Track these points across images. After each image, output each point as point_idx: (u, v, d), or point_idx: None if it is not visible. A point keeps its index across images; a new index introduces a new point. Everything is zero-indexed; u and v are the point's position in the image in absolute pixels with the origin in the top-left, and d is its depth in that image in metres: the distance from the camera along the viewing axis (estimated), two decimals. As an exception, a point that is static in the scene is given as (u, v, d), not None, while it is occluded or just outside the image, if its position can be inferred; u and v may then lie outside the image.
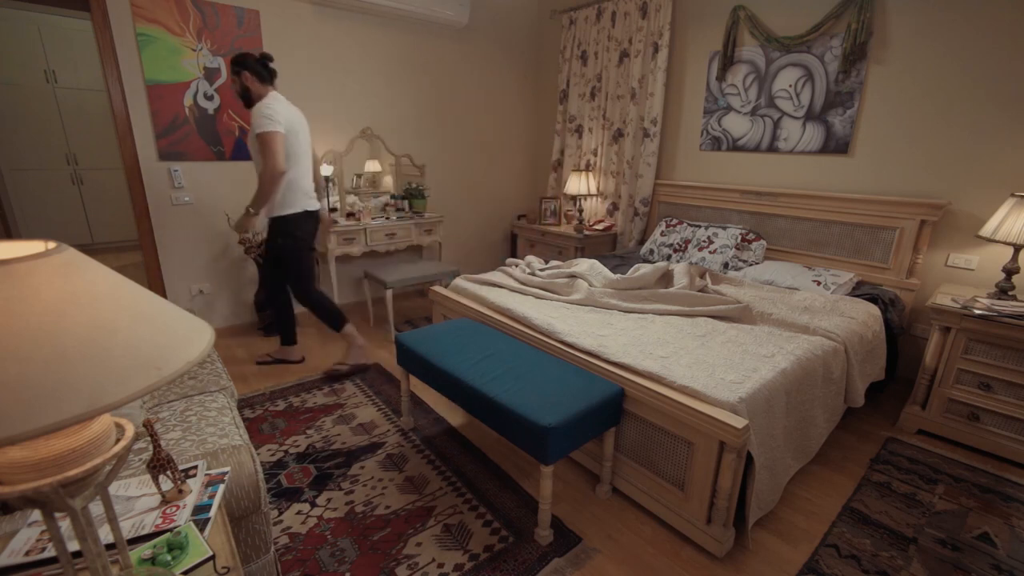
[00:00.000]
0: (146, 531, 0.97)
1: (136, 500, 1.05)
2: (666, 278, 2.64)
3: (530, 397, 1.65)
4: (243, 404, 2.51)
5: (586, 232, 3.86)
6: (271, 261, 2.71)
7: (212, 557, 0.91)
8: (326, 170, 3.31)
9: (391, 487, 1.93)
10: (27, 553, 0.89)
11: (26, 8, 4.45)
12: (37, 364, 0.52)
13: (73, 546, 0.85)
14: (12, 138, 4.71)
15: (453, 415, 2.44)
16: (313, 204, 2.69)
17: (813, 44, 2.83)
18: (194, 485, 1.10)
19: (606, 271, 2.74)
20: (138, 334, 0.60)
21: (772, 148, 3.11)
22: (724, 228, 3.17)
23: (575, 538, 1.70)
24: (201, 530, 0.97)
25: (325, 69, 3.40)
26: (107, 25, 2.67)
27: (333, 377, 2.80)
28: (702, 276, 2.68)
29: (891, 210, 2.62)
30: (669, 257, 3.29)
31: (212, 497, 1.07)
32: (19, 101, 4.67)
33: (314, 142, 3.45)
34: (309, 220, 2.67)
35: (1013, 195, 2.14)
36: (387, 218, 3.61)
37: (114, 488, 1.09)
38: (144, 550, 0.90)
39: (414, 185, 3.80)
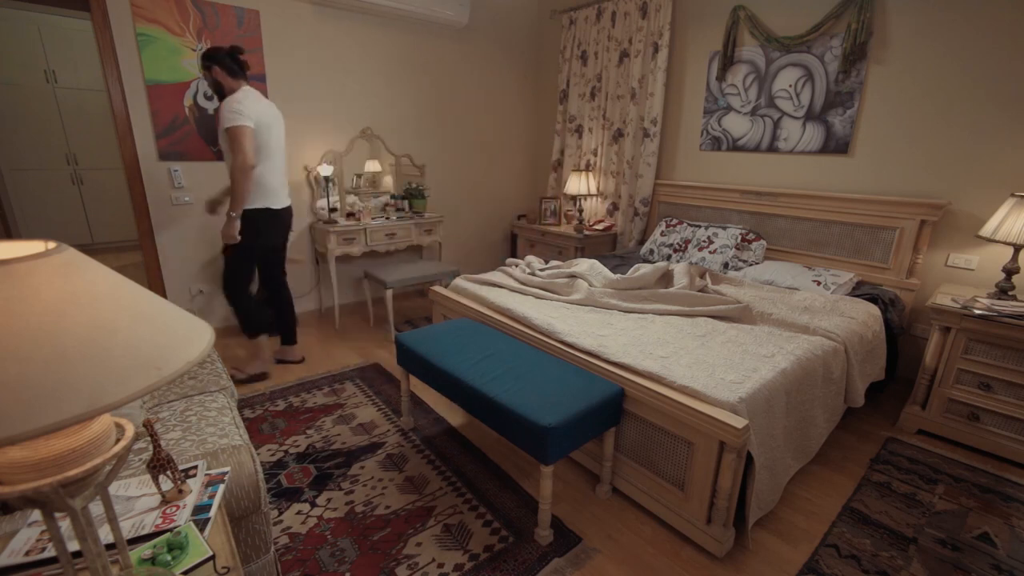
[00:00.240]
0: (146, 531, 0.97)
1: (136, 500, 1.05)
2: (666, 278, 2.64)
3: (530, 397, 1.65)
4: (243, 404, 2.51)
5: (586, 232, 3.86)
6: (238, 258, 2.62)
7: (212, 557, 0.91)
8: (326, 170, 3.31)
9: (391, 487, 1.93)
10: (27, 553, 0.89)
11: (26, 8, 4.44)
12: (37, 364, 0.52)
13: (73, 546, 0.85)
14: (12, 138, 4.71)
15: (453, 415, 2.44)
16: (278, 202, 2.61)
17: (813, 44, 2.83)
18: (194, 485, 1.10)
19: (606, 271, 2.74)
20: (138, 334, 0.60)
21: (772, 148, 3.11)
22: (724, 228, 3.17)
23: (575, 538, 1.70)
24: (201, 530, 0.97)
25: (325, 69, 3.40)
26: (107, 25, 2.67)
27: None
28: (702, 276, 2.68)
29: (891, 210, 2.62)
30: (669, 257, 3.29)
31: (212, 497, 1.07)
32: (19, 101, 4.66)
33: (314, 142, 3.46)
34: (270, 218, 2.58)
35: (1013, 195, 2.14)
36: (387, 218, 3.61)
37: (114, 488, 1.09)
38: (144, 550, 0.90)
39: (414, 185, 3.80)
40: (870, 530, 1.74)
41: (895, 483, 1.99)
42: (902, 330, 2.55)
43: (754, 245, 3.09)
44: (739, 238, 3.08)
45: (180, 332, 0.65)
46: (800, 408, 1.84)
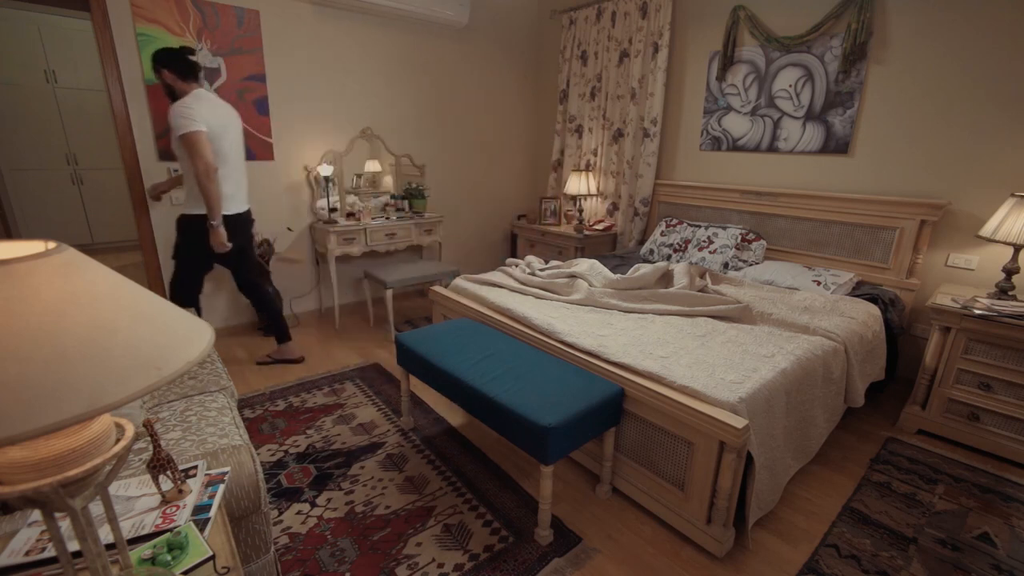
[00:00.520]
0: (146, 531, 0.97)
1: (136, 500, 1.05)
2: (666, 278, 2.64)
3: (530, 397, 1.65)
4: (243, 404, 2.51)
5: (586, 232, 3.86)
6: (185, 265, 2.61)
7: (212, 557, 0.91)
8: (326, 170, 3.31)
9: (391, 487, 1.93)
10: (27, 553, 0.89)
11: (26, 8, 4.44)
12: (37, 364, 0.52)
13: (73, 546, 0.85)
14: (12, 138, 4.71)
15: (453, 415, 2.44)
16: (234, 207, 2.56)
17: (813, 44, 2.83)
18: (194, 485, 1.10)
19: (606, 271, 2.74)
20: (138, 334, 0.60)
21: (772, 148, 3.11)
22: (724, 228, 3.17)
23: (575, 538, 1.70)
24: (201, 530, 0.97)
25: (325, 69, 3.40)
26: (107, 25, 2.67)
27: None
28: (702, 276, 2.68)
29: (891, 210, 2.62)
30: (669, 257, 3.29)
31: (212, 497, 1.07)
32: (19, 101, 4.66)
33: (314, 142, 3.46)
34: (226, 223, 2.51)
35: (1013, 195, 2.14)
36: (387, 218, 3.61)
37: (114, 488, 1.09)
38: (144, 550, 0.90)
39: (414, 185, 3.80)
40: (870, 530, 1.74)
41: (895, 483, 1.99)
42: (902, 330, 2.55)
43: (754, 245, 3.09)
44: (739, 238, 3.08)
45: (180, 332, 0.65)
46: (800, 408, 1.84)
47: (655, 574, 1.58)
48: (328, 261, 3.36)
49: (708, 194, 3.41)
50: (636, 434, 1.80)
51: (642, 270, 2.67)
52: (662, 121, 3.59)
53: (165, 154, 2.94)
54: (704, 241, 3.18)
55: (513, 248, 4.72)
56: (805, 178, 3.00)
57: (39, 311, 0.54)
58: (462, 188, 4.36)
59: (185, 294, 2.65)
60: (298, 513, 1.78)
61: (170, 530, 0.96)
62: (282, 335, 2.95)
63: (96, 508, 0.96)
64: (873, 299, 2.47)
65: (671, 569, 1.59)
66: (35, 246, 0.60)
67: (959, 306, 2.12)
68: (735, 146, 3.29)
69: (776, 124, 3.06)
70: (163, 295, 2.67)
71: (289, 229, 3.50)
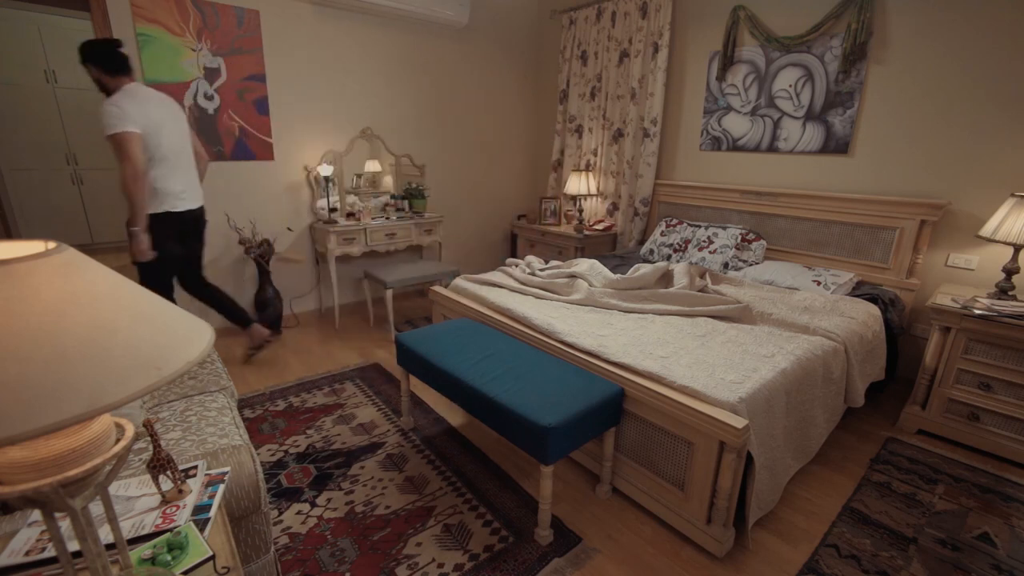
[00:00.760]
0: (146, 531, 0.97)
1: (136, 500, 1.05)
2: (666, 278, 2.64)
3: (530, 397, 1.65)
4: (243, 404, 2.51)
5: (586, 232, 3.86)
6: (150, 270, 2.45)
7: (212, 557, 0.91)
8: (326, 170, 3.31)
9: (391, 487, 1.93)
10: (27, 553, 0.89)
11: (26, 8, 4.45)
12: (37, 364, 0.52)
13: (73, 546, 0.85)
14: (12, 138, 4.71)
15: (453, 415, 2.44)
16: (181, 204, 2.43)
17: (813, 44, 2.83)
18: (194, 485, 1.10)
19: (606, 271, 2.74)
20: (138, 334, 0.60)
21: (772, 148, 3.11)
22: (724, 228, 3.17)
23: (575, 538, 1.70)
24: (201, 530, 0.97)
25: (325, 69, 3.40)
26: (107, 25, 2.67)
27: None
28: (702, 276, 2.68)
29: (891, 210, 2.62)
30: (669, 257, 3.29)
31: (212, 497, 1.07)
32: (19, 101, 4.66)
33: (314, 142, 3.46)
34: (170, 220, 2.41)
35: (1013, 195, 2.14)
36: (387, 218, 3.61)
37: (114, 488, 1.09)
38: (144, 550, 0.90)
39: (414, 185, 3.80)
40: (870, 530, 1.74)
41: (895, 483, 1.99)
42: (902, 330, 2.55)
43: (754, 245, 3.09)
44: (739, 238, 3.08)
45: (180, 332, 0.65)
46: (800, 408, 1.84)
47: (655, 574, 1.58)
48: (328, 261, 3.36)
49: (708, 194, 3.41)
50: (636, 434, 1.80)
51: (642, 270, 2.67)
52: (662, 121, 3.59)
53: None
54: (704, 241, 3.18)
55: (513, 248, 4.72)
56: (805, 178, 3.00)
57: (39, 311, 0.54)
58: (462, 188, 4.36)
59: None
60: (298, 513, 1.78)
61: (170, 530, 0.96)
62: (244, 321, 2.82)
63: (96, 508, 0.96)
64: (873, 299, 2.47)
65: (671, 569, 1.59)
66: (35, 246, 0.60)
67: (959, 306, 2.12)
68: (735, 146, 3.29)
69: (776, 124, 3.06)
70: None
71: (289, 229, 3.50)
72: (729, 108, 3.27)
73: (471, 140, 4.31)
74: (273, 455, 2.11)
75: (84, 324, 0.56)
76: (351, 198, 3.60)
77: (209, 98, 3.01)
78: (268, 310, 3.34)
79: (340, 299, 3.83)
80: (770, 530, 1.75)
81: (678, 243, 3.30)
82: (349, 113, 3.57)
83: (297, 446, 2.18)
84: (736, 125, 3.26)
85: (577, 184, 3.89)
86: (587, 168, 4.07)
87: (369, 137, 3.65)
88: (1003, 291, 2.20)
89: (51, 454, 0.62)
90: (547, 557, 1.61)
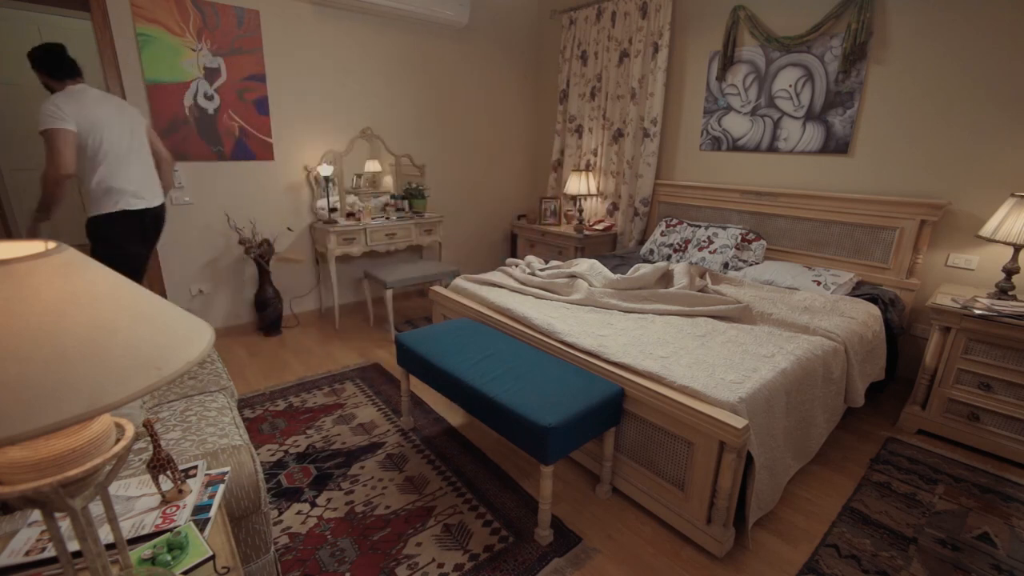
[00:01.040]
0: (146, 531, 0.97)
1: (136, 500, 1.05)
2: (666, 278, 2.64)
3: (530, 397, 1.65)
4: (243, 404, 2.51)
5: (586, 232, 3.86)
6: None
7: (212, 557, 0.91)
8: (326, 170, 3.31)
9: (391, 487, 1.93)
10: (27, 553, 0.89)
11: (26, 8, 4.44)
12: (37, 364, 0.52)
13: (73, 546, 0.85)
14: (12, 138, 4.71)
15: (453, 415, 2.44)
16: (139, 203, 2.39)
17: (813, 44, 2.83)
18: (194, 485, 1.10)
19: (606, 271, 2.74)
20: (138, 334, 0.60)
21: (772, 148, 3.11)
22: (724, 228, 3.17)
23: (575, 538, 1.70)
24: (201, 530, 0.97)
25: (325, 69, 3.40)
26: (107, 25, 2.67)
27: None
28: (702, 276, 2.68)
29: (891, 210, 2.62)
30: (669, 257, 3.29)
31: (212, 497, 1.07)
32: (19, 101, 4.66)
33: (314, 142, 3.46)
34: (129, 220, 2.38)
35: (1013, 195, 2.14)
36: (387, 218, 3.61)
37: (114, 488, 1.09)
38: (144, 550, 0.90)
39: (414, 185, 3.80)
40: (870, 530, 1.74)
41: (895, 483, 1.99)
42: (902, 330, 2.55)
43: (754, 245, 3.09)
44: (739, 238, 3.08)
45: (180, 332, 0.65)
46: (800, 408, 1.84)
47: (655, 574, 1.58)
48: (328, 261, 3.36)
49: (708, 194, 3.41)
50: (636, 434, 1.80)
51: (642, 270, 2.67)
52: (662, 121, 3.59)
53: (165, 154, 2.94)
54: (704, 241, 3.18)
55: (513, 248, 4.72)
56: (805, 178, 3.00)
57: (39, 311, 0.54)
58: (462, 188, 4.36)
59: None
60: (298, 513, 1.78)
61: (170, 530, 0.96)
62: None
63: (96, 508, 0.96)
64: (873, 299, 2.47)
65: (671, 569, 1.59)
66: (35, 246, 0.60)
67: (959, 306, 2.12)
68: (735, 146, 3.29)
69: (776, 124, 3.06)
70: (163, 295, 2.67)
71: (289, 229, 3.50)
72: (729, 108, 3.27)
73: (471, 140, 4.31)
74: (273, 455, 2.11)
75: (84, 324, 0.56)
76: (351, 198, 3.60)
77: (209, 98, 3.01)
78: (268, 310, 3.34)
79: (340, 299, 3.83)
80: (770, 530, 1.75)
81: (678, 243, 3.30)
82: (349, 113, 3.57)
83: (297, 446, 2.18)
84: (736, 125, 3.26)
85: (577, 184, 3.89)
86: (587, 168, 4.07)
87: (369, 137, 3.65)
88: (1003, 291, 2.20)
89: (51, 454, 0.62)
90: (547, 557, 1.61)
